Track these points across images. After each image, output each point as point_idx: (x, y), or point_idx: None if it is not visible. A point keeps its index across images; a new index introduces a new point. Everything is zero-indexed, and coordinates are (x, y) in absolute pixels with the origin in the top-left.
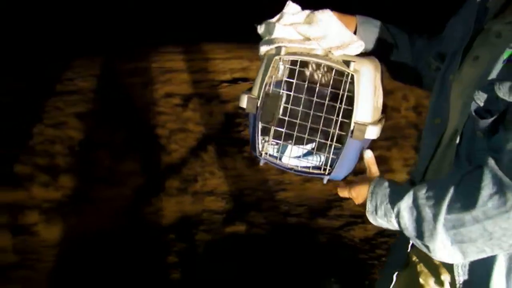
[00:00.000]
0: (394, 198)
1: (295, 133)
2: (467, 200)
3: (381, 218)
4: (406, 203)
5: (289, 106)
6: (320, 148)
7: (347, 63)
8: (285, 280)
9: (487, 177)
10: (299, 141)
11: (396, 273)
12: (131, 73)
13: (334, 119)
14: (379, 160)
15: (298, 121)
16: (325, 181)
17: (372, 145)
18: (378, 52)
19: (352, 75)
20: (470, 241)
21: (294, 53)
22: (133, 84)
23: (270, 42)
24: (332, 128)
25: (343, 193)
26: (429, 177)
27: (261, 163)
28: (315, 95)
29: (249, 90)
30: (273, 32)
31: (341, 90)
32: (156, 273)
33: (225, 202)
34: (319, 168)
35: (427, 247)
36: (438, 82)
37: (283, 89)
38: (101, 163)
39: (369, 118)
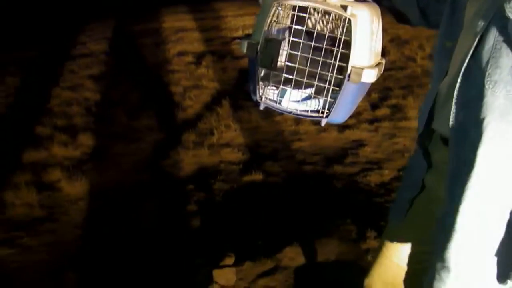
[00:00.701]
0: None
1: (293, 78)
2: None
3: None
4: None
5: (288, 51)
6: (319, 92)
7: (344, 8)
8: (302, 225)
9: None
10: (298, 86)
11: (412, 197)
12: (142, 34)
13: (332, 63)
14: (396, 109)
15: (297, 66)
16: (323, 124)
17: (391, 93)
18: None
19: (350, 19)
20: None
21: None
22: (145, 45)
23: None
24: (330, 72)
25: None
26: (441, 98)
27: (261, 107)
28: (313, 40)
29: (250, 36)
30: None
31: (338, 34)
32: (177, 222)
33: (242, 153)
34: (317, 111)
35: None
36: (448, 6)
37: (282, 34)
38: (118, 121)
39: (366, 62)
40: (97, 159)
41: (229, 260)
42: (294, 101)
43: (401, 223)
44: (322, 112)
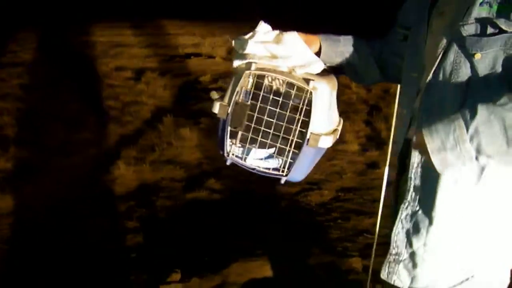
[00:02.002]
0: (461, 122)
1: (259, 138)
2: None
3: (452, 151)
4: (481, 118)
5: (255, 115)
6: (280, 152)
7: (307, 80)
8: (248, 242)
9: None
10: (263, 145)
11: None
12: (80, 46)
13: (293, 128)
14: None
15: (262, 128)
16: (282, 182)
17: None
18: (343, 63)
19: (311, 92)
20: None
21: (263, 69)
22: (82, 57)
23: (242, 57)
24: (291, 136)
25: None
26: (417, 119)
27: (228, 162)
28: (278, 106)
29: (221, 97)
30: (245, 48)
31: (301, 104)
32: (120, 238)
33: (184, 170)
34: (278, 170)
35: None
36: (410, 47)
37: (251, 100)
38: (54, 133)
39: (324, 129)
40: (32, 172)
41: (176, 276)
42: (258, 159)
43: None
44: (282, 171)
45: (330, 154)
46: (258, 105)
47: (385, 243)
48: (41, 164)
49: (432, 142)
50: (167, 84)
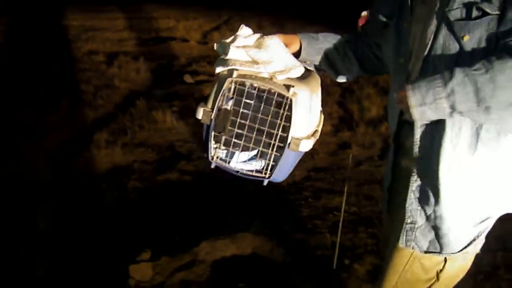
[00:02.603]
0: (441, 82)
1: (242, 142)
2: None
3: (430, 105)
4: (457, 80)
5: (238, 120)
6: (262, 155)
7: (287, 86)
8: (217, 221)
9: None
10: (246, 148)
11: (387, 187)
12: (50, 30)
13: (275, 133)
14: None
15: (245, 133)
16: (265, 183)
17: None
18: (323, 60)
19: (291, 99)
20: None
21: (244, 75)
22: (53, 42)
23: (225, 63)
24: (273, 140)
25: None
26: None
27: (212, 165)
28: (260, 111)
29: (204, 102)
30: (227, 52)
31: (281, 109)
32: (91, 219)
33: (156, 153)
34: (260, 172)
35: (487, 108)
36: (393, 34)
37: (233, 105)
38: (24, 117)
39: (304, 133)
40: (3, 157)
41: (146, 255)
42: (241, 161)
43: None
44: (265, 173)
45: None
46: (240, 110)
47: (352, 220)
48: (10, 148)
49: (413, 96)
50: (140, 68)
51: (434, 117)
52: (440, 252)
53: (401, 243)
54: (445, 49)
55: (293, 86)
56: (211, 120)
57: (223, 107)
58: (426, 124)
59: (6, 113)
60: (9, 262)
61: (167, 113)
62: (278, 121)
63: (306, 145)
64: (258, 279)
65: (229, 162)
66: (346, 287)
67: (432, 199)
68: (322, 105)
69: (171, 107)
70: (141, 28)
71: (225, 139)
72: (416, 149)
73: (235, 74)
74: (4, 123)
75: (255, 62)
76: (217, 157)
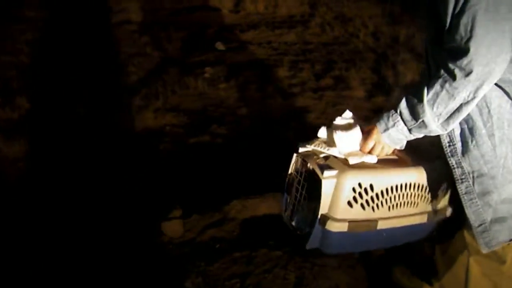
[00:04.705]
0: (394, 109)
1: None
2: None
3: (392, 127)
4: (402, 105)
5: (299, 188)
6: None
7: (323, 168)
8: (248, 181)
9: None
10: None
11: None
12: (83, 2)
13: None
14: (339, 80)
15: (301, 199)
16: (307, 248)
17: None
18: None
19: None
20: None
21: (307, 155)
22: (85, 13)
23: (311, 142)
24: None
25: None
26: None
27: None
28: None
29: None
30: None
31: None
32: (122, 180)
33: (187, 117)
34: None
35: (423, 122)
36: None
37: (299, 175)
38: (63, 85)
39: (333, 214)
40: (37, 121)
41: (177, 213)
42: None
43: None
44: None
45: (336, 99)
46: (301, 181)
47: None
48: (45, 114)
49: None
50: (172, 37)
51: (396, 135)
52: None
53: (484, 249)
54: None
55: (329, 170)
56: (285, 184)
57: (292, 175)
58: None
59: (37, 79)
60: (53, 215)
61: (199, 79)
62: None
63: (334, 226)
64: (283, 237)
65: (292, 220)
66: None
67: (490, 187)
68: (355, 70)
69: (203, 74)
70: None
71: (289, 199)
72: (452, 150)
73: (300, 150)
74: (35, 89)
75: (332, 143)
76: (286, 214)
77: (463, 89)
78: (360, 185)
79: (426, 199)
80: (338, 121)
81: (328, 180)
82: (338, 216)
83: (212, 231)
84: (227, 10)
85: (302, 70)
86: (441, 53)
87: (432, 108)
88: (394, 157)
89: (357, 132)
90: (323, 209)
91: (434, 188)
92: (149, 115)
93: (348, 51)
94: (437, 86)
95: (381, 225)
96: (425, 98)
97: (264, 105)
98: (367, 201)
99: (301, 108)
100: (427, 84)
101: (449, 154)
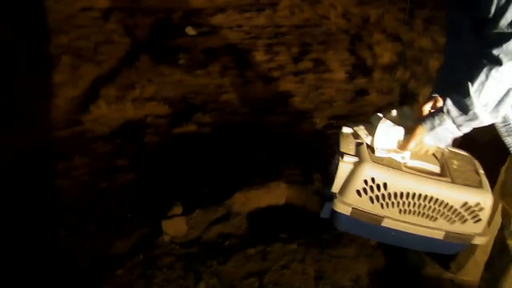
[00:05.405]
0: (440, 108)
1: None
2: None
3: (439, 125)
4: (448, 103)
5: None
6: None
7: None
8: (247, 171)
9: None
10: None
11: None
12: None
13: None
14: (318, 62)
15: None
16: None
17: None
18: None
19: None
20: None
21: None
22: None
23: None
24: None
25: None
26: None
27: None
28: None
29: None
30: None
31: None
32: (107, 177)
33: (168, 106)
34: None
35: (474, 114)
36: None
37: None
38: (25, 79)
39: (342, 196)
40: (9, 119)
41: (178, 210)
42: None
43: None
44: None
45: (317, 83)
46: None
47: None
48: (18, 109)
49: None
50: (138, 23)
51: (441, 131)
52: None
53: None
54: None
55: (349, 156)
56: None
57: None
58: None
59: (6, 75)
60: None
61: (173, 66)
62: None
63: (339, 207)
64: (295, 229)
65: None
66: None
67: None
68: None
69: (177, 60)
70: None
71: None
72: (508, 129)
73: (344, 129)
74: (2, 84)
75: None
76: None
77: (509, 73)
78: (373, 179)
79: (448, 218)
80: (392, 114)
81: (345, 164)
82: (345, 200)
83: (218, 227)
84: None
85: (278, 54)
86: (483, 41)
87: (479, 98)
88: (437, 169)
89: (398, 130)
90: (335, 188)
91: (464, 214)
92: (128, 105)
93: (321, 33)
94: (482, 76)
95: (387, 224)
96: (471, 90)
97: (246, 91)
98: (377, 197)
99: (284, 93)
100: (467, 76)
101: (505, 134)
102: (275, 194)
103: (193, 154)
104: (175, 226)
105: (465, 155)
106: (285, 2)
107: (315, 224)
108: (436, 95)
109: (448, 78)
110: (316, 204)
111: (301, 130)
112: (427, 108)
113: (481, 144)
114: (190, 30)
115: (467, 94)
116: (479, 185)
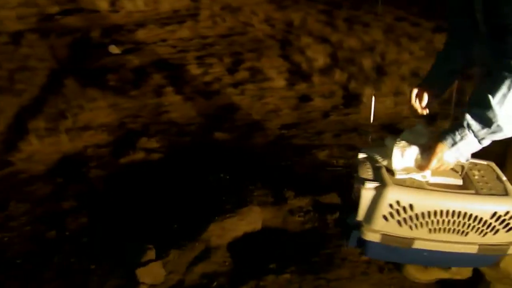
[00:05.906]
0: (460, 123)
1: None
2: None
3: (460, 140)
4: (468, 118)
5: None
6: None
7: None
8: (212, 199)
9: None
10: None
11: None
12: None
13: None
14: (254, 71)
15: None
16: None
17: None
18: None
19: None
20: None
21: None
22: None
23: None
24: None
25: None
26: None
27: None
28: None
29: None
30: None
31: None
32: (55, 224)
33: (107, 133)
34: None
35: (498, 126)
36: None
37: None
38: None
39: (368, 223)
40: None
41: (151, 254)
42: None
43: None
44: None
45: (259, 93)
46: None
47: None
48: None
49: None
50: (54, 45)
51: (464, 146)
52: None
53: None
54: None
55: (372, 183)
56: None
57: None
58: None
59: None
60: None
61: (105, 88)
62: None
63: (367, 235)
64: (282, 256)
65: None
66: None
67: None
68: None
69: (107, 82)
70: (40, 2)
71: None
72: None
73: (360, 155)
74: None
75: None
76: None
77: None
78: (398, 202)
79: (479, 230)
80: (406, 134)
81: (368, 191)
82: (373, 227)
83: (200, 266)
84: (105, 11)
85: (212, 66)
86: (503, 50)
87: (502, 110)
88: (460, 182)
89: (414, 149)
90: (360, 216)
91: (494, 224)
92: (62, 137)
93: (248, 40)
94: (503, 88)
95: (418, 245)
96: (493, 103)
97: (187, 108)
98: (404, 219)
99: (227, 106)
100: (487, 88)
101: None
102: (250, 220)
103: (147, 185)
104: (151, 273)
105: (483, 163)
106: (205, 12)
107: (299, 247)
108: (425, 84)
109: (443, 67)
110: (295, 223)
111: (254, 144)
112: (414, 94)
113: (491, 153)
114: (113, 49)
115: (489, 106)
116: (505, 193)
